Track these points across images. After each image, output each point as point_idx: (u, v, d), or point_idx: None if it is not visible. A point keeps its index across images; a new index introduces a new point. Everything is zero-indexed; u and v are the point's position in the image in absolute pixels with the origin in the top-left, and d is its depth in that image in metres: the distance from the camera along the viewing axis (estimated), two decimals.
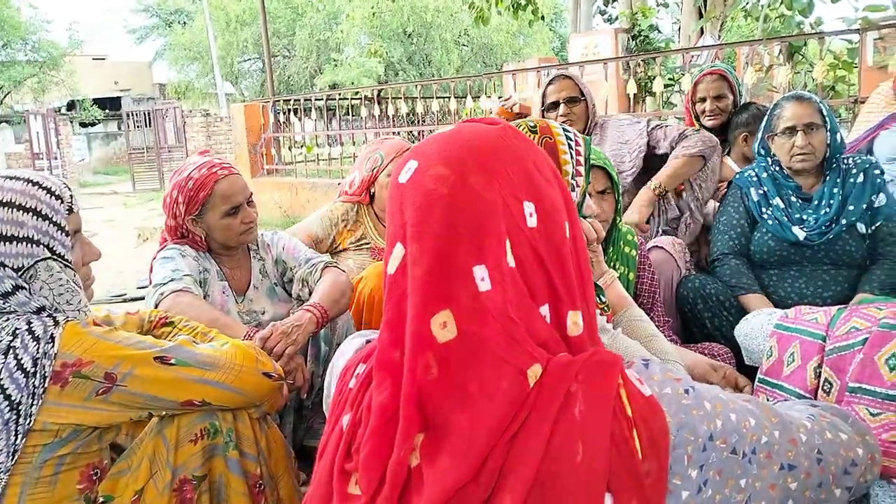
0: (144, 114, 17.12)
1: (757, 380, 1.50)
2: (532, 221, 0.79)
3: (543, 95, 2.91)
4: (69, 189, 1.33)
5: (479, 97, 6.98)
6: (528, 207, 0.80)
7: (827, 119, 2.22)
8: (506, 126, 0.87)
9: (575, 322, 0.81)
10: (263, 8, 8.62)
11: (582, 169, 1.32)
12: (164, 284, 1.79)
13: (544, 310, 0.80)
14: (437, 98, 6.69)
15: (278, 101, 7.84)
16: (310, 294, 1.95)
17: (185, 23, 27.05)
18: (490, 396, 0.74)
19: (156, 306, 1.74)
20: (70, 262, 1.29)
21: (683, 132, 2.72)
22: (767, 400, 1.44)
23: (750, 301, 2.19)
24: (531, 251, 0.79)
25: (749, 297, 2.21)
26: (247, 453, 1.37)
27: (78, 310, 1.28)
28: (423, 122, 6.93)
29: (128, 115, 17.78)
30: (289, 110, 7.68)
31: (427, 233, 0.77)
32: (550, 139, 1.32)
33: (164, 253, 1.92)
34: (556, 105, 2.83)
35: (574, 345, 0.81)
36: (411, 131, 6.71)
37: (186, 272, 1.85)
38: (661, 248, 2.31)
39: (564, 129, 1.34)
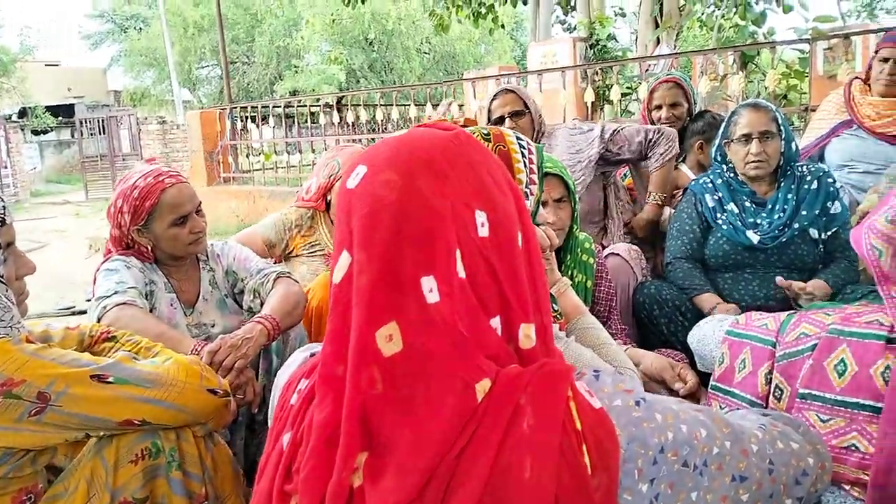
0: (98, 121, 16.70)
1: (710, 386, 1.50)
2: (484, 231, 0.77)
3: (489, 111, 2.91)
4: (1, 200, 1.27)
5: (439, 105, 6.97)
6: (480, 216, 0.77)
7: (782, 128, 2.26)
8: (459, 132, 0.84)
9: (527, 335, 0.79)
10: (220, 14, 8.50)
11: (535, 177, 1.31)
12: (108, 297, 1.71)
13: (495, 322, 0.77)
14: (397, 105, 6.63)
15: (235, 107, 7.72)
16: (261, 306, 1.90)
17: (141, 28, 26.45)
18: (436, 412, 0.71)
19: (98, 320, 1.67)
20: (2, 277, 1.23)
21: (648, 138, 2.76)
22: (720, 407, 1.44)
23: (702, 300, 2.23)
24: (483, 262, 0.76)
25: (701, 297, 2.24)
26: (191, 473, 1.32)
27: (10, 326, 1.21)
28: (384, 129, 6.90)
29: (81, 123, 17.35)
30: (246, 117, 7.57)
31: (374, 241, 0.74)
32: (504, 147, 1.30)
33: (108, 265, 1.85)
34: (501, 120, 2.84)
35: (526, 357, 0.79)
36: (372, 139, 6.66)
37: (131, 284, 1.78)
38: (618, 254, 2.32)
39: (518, 138, 1.33)
